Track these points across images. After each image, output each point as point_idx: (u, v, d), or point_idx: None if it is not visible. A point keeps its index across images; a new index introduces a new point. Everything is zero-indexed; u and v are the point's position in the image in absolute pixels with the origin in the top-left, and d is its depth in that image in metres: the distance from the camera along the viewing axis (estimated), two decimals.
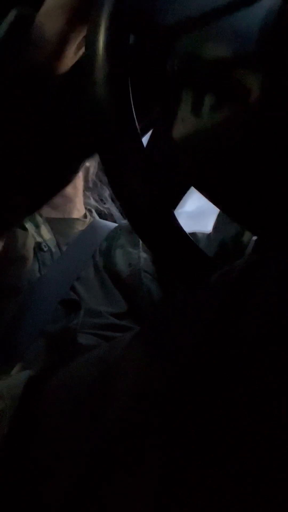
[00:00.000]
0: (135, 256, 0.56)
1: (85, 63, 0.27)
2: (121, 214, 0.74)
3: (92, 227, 0.60)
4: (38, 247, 0.51)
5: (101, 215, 0.69)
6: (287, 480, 0.17)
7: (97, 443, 0.24)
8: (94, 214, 0.67)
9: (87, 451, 0.24)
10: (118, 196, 0.29)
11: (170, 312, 0.27)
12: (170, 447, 0.20)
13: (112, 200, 0.74)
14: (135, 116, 0.27)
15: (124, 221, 0.65)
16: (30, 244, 0.49)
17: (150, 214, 0.27)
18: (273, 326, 0.19)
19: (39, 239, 0.52)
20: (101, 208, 0.71)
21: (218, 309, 0.21)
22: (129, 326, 0.48)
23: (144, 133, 0.33)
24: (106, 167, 0.28)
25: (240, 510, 0.18)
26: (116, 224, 0.64)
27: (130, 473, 0.22)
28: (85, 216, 0.64)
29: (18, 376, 0.33)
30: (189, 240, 0.28)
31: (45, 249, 0.52)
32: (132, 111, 0.27)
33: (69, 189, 0.61)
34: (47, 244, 0.52)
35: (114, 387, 0.25)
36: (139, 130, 0.27)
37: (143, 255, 0.56)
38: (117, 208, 0.75)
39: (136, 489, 0.21)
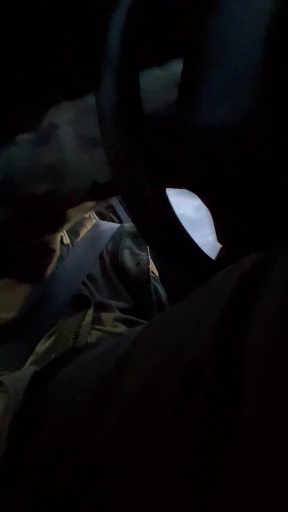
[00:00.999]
0: (143, 257, 0.58)
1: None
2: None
3: (97, 226, 0.62)
4: (60, 240, 0.53)
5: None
6: None
7: (106, 435, 0.24)
8: (94, 214, 0.69)
9: (97, 443, 0.24)
10: (127, 202, 0.30)
11: (176, 310, 0.27)
12: (177, 438, 0.20)
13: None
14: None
15: (127, 224, 0.68)
16: (58, 237, 0.52)
17: (156, 217, 0.29)
18: (281, 327, 0.19)
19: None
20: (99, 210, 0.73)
21: (225, 308, 0.22)
22: (135, 320, 0.50)
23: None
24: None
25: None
26: (117, 225, 0.66)
27: (140, 464, 0.22)
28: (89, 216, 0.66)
29: (23, 371, 0.33)
30: (191, 241, 0.29)
31: (65, 242, 0.54)
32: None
33: None
34: (66, 238, 0.54)
35: (122, 381, 0.25)
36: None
37: (150, 259, 0.58)
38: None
39: (146, 478, 0.22)
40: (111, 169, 0.30)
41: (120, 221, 0.97)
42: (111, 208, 0.97)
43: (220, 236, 0.31)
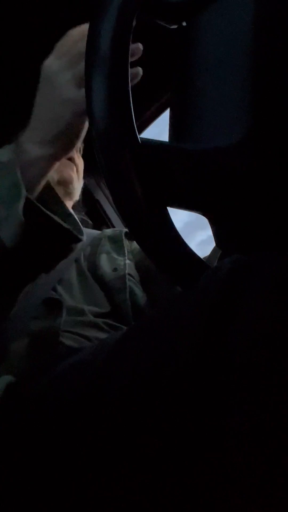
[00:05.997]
0: (120, 262, 0.58)
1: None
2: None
3: None
4: None
5: None
6: None
7: (90, 445, 0.24)
8: None
9: (80, 453, 0.24)
10: (116, 199, 0.29)
11: (159, 316, 0.27)
12: (159, 445, 0.20)
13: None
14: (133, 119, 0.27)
15: (107, 230, 0.68)
16: None
17: (147, 216, 0.28)
18: (264, 327, 0.19)
19: None
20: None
21: (208, 313, 0.21)
22: (111, 324, 0.50)
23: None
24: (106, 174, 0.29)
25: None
26: (97, 232, 0.67)
27: (126, 473, 0.22)
28: None
29: None
30: (182, 243, 0.29)
31: None
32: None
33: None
34: None
35: (104, 390, 0.25)
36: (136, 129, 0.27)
37: (128, 262, 0.58)
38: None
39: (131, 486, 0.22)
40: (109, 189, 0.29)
41: (110, 223, 0.96)
42: (101, 209, 0.96)
43: (219, 242, 0.33)
